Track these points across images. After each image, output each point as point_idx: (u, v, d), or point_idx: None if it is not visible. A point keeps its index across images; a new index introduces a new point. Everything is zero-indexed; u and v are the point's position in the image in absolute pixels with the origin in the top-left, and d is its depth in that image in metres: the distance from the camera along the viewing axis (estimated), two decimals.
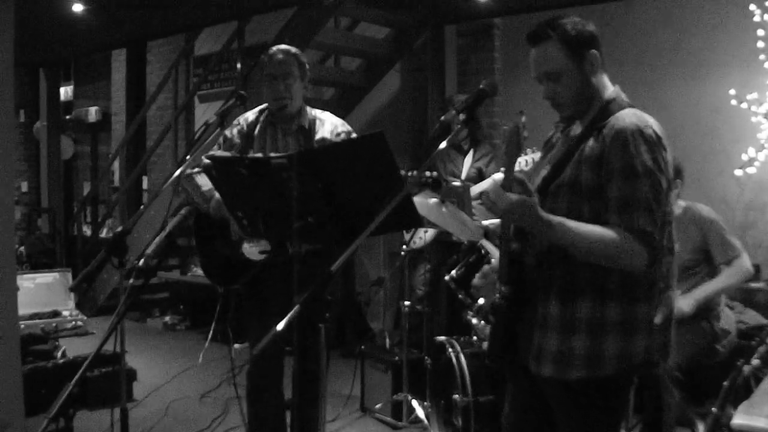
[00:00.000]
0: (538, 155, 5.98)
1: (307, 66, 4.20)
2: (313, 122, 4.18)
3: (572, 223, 2.63)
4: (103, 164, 13.74)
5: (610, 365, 2.68)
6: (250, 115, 4.26)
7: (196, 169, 4.20)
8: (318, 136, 4.14)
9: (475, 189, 6.04)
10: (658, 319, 2.73)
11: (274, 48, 4.18)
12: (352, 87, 9.23)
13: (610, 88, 2.85)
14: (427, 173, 4.89)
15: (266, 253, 3.86)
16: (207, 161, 3.49)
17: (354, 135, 4.21)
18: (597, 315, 2.68)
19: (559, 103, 2.84)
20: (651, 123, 2.68)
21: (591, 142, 2.71)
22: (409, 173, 4.78)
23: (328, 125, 4.19)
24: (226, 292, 4.30)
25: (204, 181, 4.01)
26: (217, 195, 3.88)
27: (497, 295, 2.86)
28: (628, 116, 2.69)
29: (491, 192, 2.69)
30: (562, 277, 2.72)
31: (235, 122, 4.28)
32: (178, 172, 3.61)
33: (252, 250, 3.94)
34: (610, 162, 2.63)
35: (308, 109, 4.25)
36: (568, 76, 2.77)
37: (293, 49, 4.15)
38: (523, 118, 2.86)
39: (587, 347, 2.68)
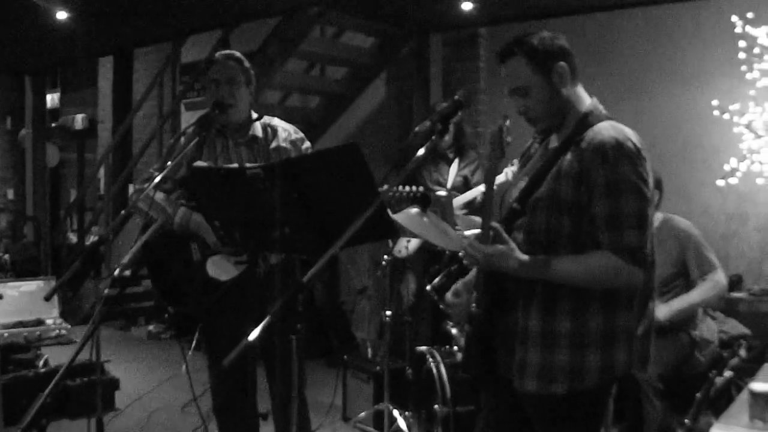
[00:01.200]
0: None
1: (252, 72, 4.11)
2: (265, 131, 4.10)
3: (557, 260, 2.65)
4: (89, 171, 13.71)
5: (592, 378, 2.69)
6: (194, 125, 4.10)
7: (147, 185, 4.13)
8: (272, 145, 4.05)
9: (460, 199, 6.05)
10: (639, 330, 2.74)
11: (218, 53, 4.13)
12: (337, 95, 9.24)
13: (586, 101, 2.85)
14: (414, 188, 4.88)
15: (241, 266, 3.83)
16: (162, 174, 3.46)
17: (307, 142, 4.14)
18: (578, 328, 2.68)
19: (532, 118, 2.85)
20: (630, 135, 2.68)
21: (569, 156, 2.70)
22: (398, 189, 4.78)
23: (282, 132, 4.10)
24: (182, 311, 4.24)
25: (162, 197, 3.95)
26: (181, 211, 3.84)
27: (473, 305, 2.86)
28: (606, 129, 2.68)
29: (468, 247, 2.72)
30: (542, 290, 2.71)
31: (181, 132, 4.22)
32: (157, 179, 3.59)
33: (217, 270, 3.90)
34: (592, 178, 2.62)
35: (256, 116, 4.15)
36: (537, 90, 2.78)
37: (237, 54, 4.09)
38: (507, 122, 2.87)
39: (570, 361, 2.68)
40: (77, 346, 2.96)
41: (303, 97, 9.96)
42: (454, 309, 3.22)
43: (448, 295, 3.25)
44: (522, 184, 2.85)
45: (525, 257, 2.65)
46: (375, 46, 8.96)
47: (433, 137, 2.90)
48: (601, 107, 2.84)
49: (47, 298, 3.36)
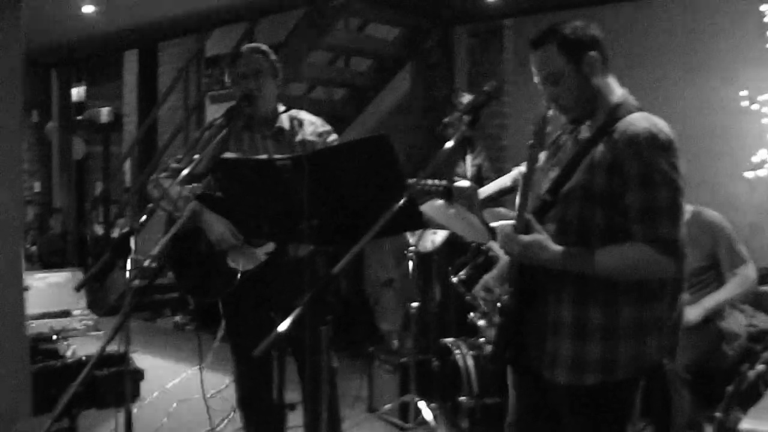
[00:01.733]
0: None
1: (278, 64, 4.12)
2: (291, 123, 4.11)
3: (591, 253, 2.64)
4: (114, 164, 13.77)
5: (624, 369, 2.69)
6: (222, 118, 4.13)
7: (164, 174, 4.15)
8: (298, 138, 4.07)
9: (486, 190, 6.04)
10: (669, 321, 2.74)
11: (244, 46, 4.15)
12: (362, 88, 9.23)
13: (617, 92, 2.84)
14: (437, 181, 4.87)
15: (262, 256, 3.84)
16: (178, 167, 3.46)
17: (334, 134, 4.15)
18: (610, 319, 2.68)
19: (562, 106, 2.84)
20: (662, 126, 2.67)
21: (601, 147, 2.69)
22: (419, 182, 4.77)
23: (308, 125, 4.11)
24: (204, 304, 4.25)
25: (175, 189, 3.95)
26: (192, 204, 3.84)
27: (505, 296, 2.86)
28: (639, 120, 2.67)
29: (503, 237, 2.71)
30: (574, 281, 2.71)
31: (207, 125, 4.24)
32: (186, 172, 3.61)
33: (238, 261, 3.91)
34: (626, 169, 2.62)
35: (283, 108, 4.17)
36: (567, 79, 2.78)
37: (263, 47, 4.10)
38: (550, 112, 2.86)
39: (602, 352, 2.68)
40: (107, 337, 2.97)
41: (328, 90, 9.95)
42: (487, 304, 3.22)
43: (479, 290, 3.26)
44: (552, 174, 2.84)
45: (559, 248, 2.64)
46: (400, 38, 8.94)
47: (463, 128, 2.89)
48: (631, 98, 2.83)
49: (77, 289, 3.38)
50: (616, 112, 2.76)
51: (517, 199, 2.82)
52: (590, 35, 2.81)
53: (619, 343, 2.68)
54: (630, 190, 2.61)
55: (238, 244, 3.85)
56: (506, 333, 2.86)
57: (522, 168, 5.72)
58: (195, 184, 3.92)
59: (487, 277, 3.31)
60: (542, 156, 5.65)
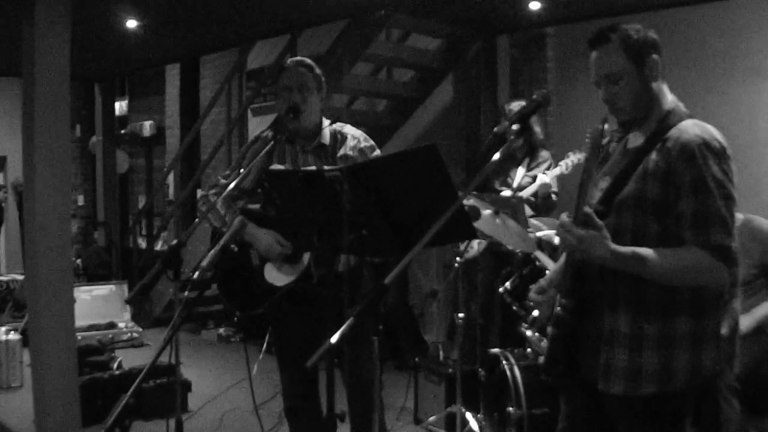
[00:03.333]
0: (578, 157, 5.98)
1: (323, 78, 4.11)
2: (334, 138, 4.10)
3: (646, 252, 2.60)
4: (157, 177, 13.88)
5: (680, 379, 2.66)
6: (268, 131, 4.19)
7: (213, 191, 4.18)
8: (340, 153, 4.05)
9: (523, 194, 6.04)
10: (725, 330, 2.70)
11: (289, 60, 4.15)
12: (404, 99, 9.23)
13: (669, 98, 2.82)
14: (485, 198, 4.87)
15: (298, 271, 3.86)
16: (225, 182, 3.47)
17: (377, 150, 4.13)
18: (667, 329, 2.65)
19: (618, 107, 2.81)
20: (715, 134, 2.66)
21: (654, 155, 2.68)
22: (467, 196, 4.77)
23: (350, 140, 4.09)
24: (249, 316, 4.27)
25: (223, 204, 3.99)
26: (237, 220, 3.86)
27: (558, 308, 2.83)
28: (692, 128, 2.66)
29: (561, 230, 2.68)
30: (629, 292, 2.69)
31: (253, 138, 4.25)
32: (231, 186, 3.63)
33: (274, 276, 3.93)
34: (679, 177, 2.60)
35: (326, 122, 4.15)
36: (628, 79, 2.75)
37: (308, 60, 4.10)
38: (606, 125, 2.83)
39: (658, 362, 2.65)
40: (159, 348, 2.99)
41: (370, 101, 9.97)
42: (540, 306, 3.19)
43: (532, 294, 3.22)
44: (604, 184, 2.82)
45: (614, 246, 2.60)
46: (442, 48, 8.94)
47: (512, 137, 2.87)
48: (681, 105, 2.81)
49: (128, 302, 3.40)
50: (668, 119, 2.74)
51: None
52: (652, 38, 2.79)
53: (676, 354, 2.65)
54: (683, 197, 2.59)
55: (288, 252, 3.86)
56: (560, 345, 2.84)
57: (544, 178, 5.72)
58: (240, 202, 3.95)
59: (541, 281, 3.29)
60: (566, 162, 5.65)
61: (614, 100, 2.81)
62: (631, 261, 2.61)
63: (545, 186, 6.03)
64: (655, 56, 2.77)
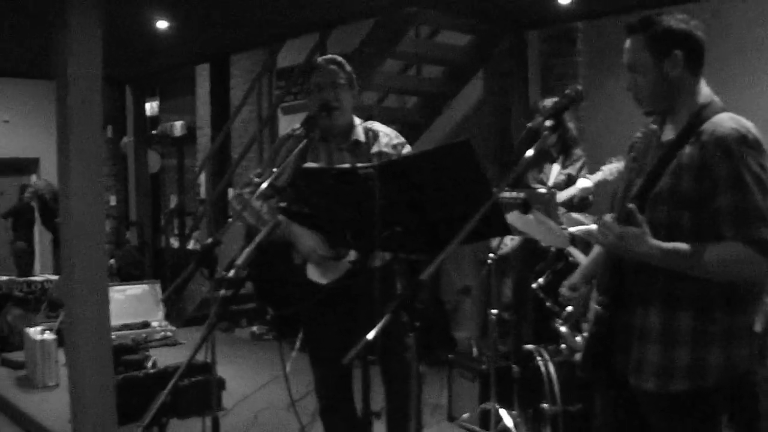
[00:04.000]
0: (623, 164, 5.94)
1: (354, 75, 4.11)
2: (366, 135, 4.10)
3: (687, 248, 2.59)
4: (189, 177, 13.95)
5: (713, 376, 2.64)
6: (300, 128, 4.11)
7: (247, 189, 4.18)
8: (374, 150, 4.05)
9: (563, 195, 5.99)
10: (758, 327, 2.69)
11: (320, 58, 4.15)
12: (434, 95, 9.22)
13: (704, 92, 2.79)
14: (515, 194, 4.85)
15: (343, 268, 3.85)
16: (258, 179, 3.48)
17: (408, 146, 4.13)
18: (700, 325, 2.64)
19: (637, 98, 2.82)
20: (750, 127, 2.64)
21: (688, 149, 2.66)
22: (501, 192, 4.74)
23: (383, 137, 4.09)
24: (283, 315, 4.28)
25: (259, 203, 3.98)
26: (279, 217, 3.86)
27: (597, 306, 2.82)
28: (727, 121, 2.64)
29: (601, 226, 2.68)
30: (664, 288, 2.67)
31: (285, 135, 4.23)
32: (265, 185, 3.63)
33: (318, 273, 3.93)
34: (715, 171, 2.58)
35: (358, 120, 4.15)
36: (645, 72, 2.75)
37: (339, 58, 4.09)
38: (654, 126, 2.82)
39: (691, 358, 2.64)
40: (195, 347, 3.00)
41: (400, 98, 9.98)
42: (572, 302, 3.18)
43: (563, 290, 3.22)
44: (638, 179, 2.80)
45: (655, 242, 2.60)
46: (471, 45, 8.92)
47: (545, 134, 2.87)
48: (717, 99, 2.78)
49: (165, 300, 3.42)
50: (702, 113, 2.71)
51: (620, 191, 2.79)
52: (684, 32, 2.75)
53: (709, 349, 2.63)
54: (720, 192, 2.57)
55: (328, 256, 3.86)
56: (597, 342, 2.83)
57: (586, 182, 5.68)
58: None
59: (572, 277, 3.28)
60: (610, 168, 5.60)
61: (635, 89, 2.82)
62: (673, 257, 2.59)
63: (587, 190, 5.98)
64: (678, 52, 2.73)
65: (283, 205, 3.81)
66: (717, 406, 2.75)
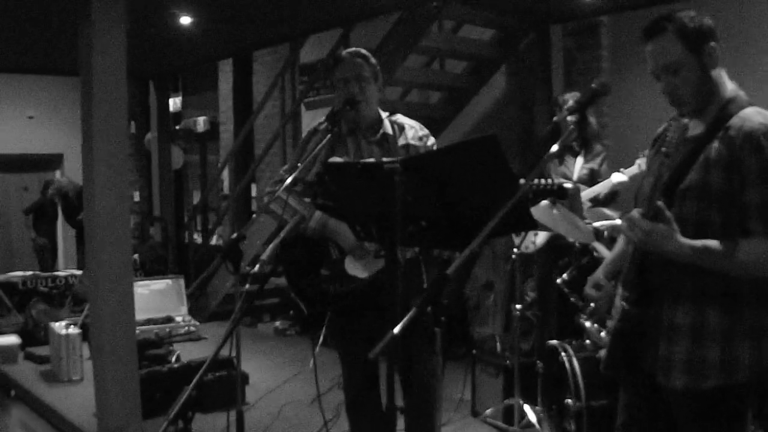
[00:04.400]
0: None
1: (378, 68, 4.10)
2: (393, 128, 4.09)
3: (716, 245, 2.58)
4: (212, 173, 13.99)
5: (743, 372, 2.62)
6: (325, 123, 4.10)
7: (279, 187, 4.15)
8: (401, 142, 4.04)
9: (588, 193, 5.97)
10: None
11: (345, 51, 4.14)
12: (458, 90, 9.20)
13: (729, 86, 2.77)
14: (550, 181, 4.81)
15: (380, 262, 3.84)
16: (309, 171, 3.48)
17: (432, 138, 4.11)
18: (730, 322, 2.61)
19: (679, 98, 2.75)
20: None
21: (716, 143, 2.63)
22: (531, 183, 4.72)
23: (409, 130, 4.08)
24: (317, 309, 4.26)
25: (295, 200, 3.96)
26: (317, 215, 3.86)
27: (622, 302, 2.80)
28: (755, 116, 2.62)
29: (628, 223, 2.66)
30: (692, 284, 2.65)
31: (311, 130, 4.22)
32: (290, 179, 3.62)
33: (356, 267, 3.92)
34: (744, 166, 2.56)
35: (384, 113, 4.14)
36: (687, 69, 2.70)
37: (363, 51, 4.08)
38: (685, 120, 2.79)
39: (720, 355, 2.62)
40: (220, 342, 3.01)
41: (423, 93, 9.96)
42: (597, 302, 3.16)
43: (588, 288, 3.20)
44: (665, 174, 2.78)
45: (683, 239, 2.58)
46: (494, 39, 8.90)
47: (571, 128, 2.85)
48: (742, 93, 2.76)
49: (190, 295, 3.42)
50: (729, 107, 2.69)
51: (645, 187, 2.77)
52: (708, 25, 2.73)
53: (739, 345, 2.61)
54: (749, 187, 2.55)
55: (370, 249, 3.85)
56: (622, 339, 2.81)
57: (623, 175, 5.65)
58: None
59: (596, 275, 3.25)
60: (639, 162, 5.57)
61: (674, 91, 2.75)
62: (702, 254, 2.58)
63: (622, 184, 5.94)
64: (713, 44, 2.71)
65: (319, 201, 3.81)
66: (746, 402, 2.73)
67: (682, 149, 2.74)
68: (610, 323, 2.94)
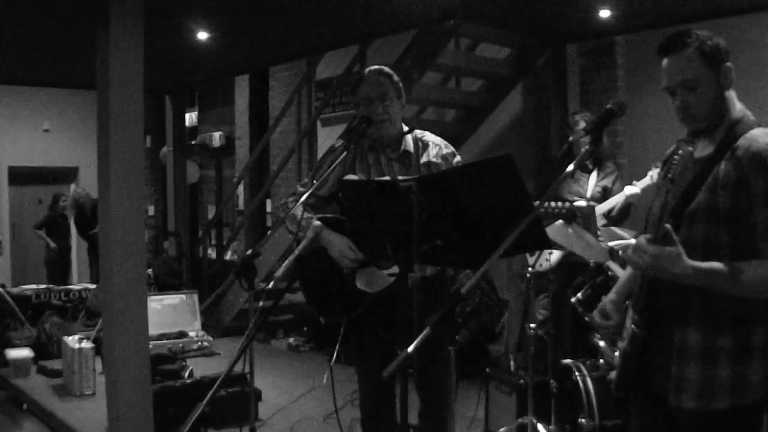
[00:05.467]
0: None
1: (401, 85, 4.11)
2: (416, 145, 4.09)
3: (723, 267, 2.56)
4: (227, 188, 14.03)
5: (756, 392, 2.60)
6: (342, 140, 4.14)
7: (291, 198, 4.18)
8: (423, 160, 4.04)
9: (602, 207, 5.98)
10: None
11: (368, 69, 4.13)
12: (473, 108, 9.20)
13: (738, 107, 2.76)
14: (560, 204, 4.81)
15: (391, 278, 3.84)
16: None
17: (458, 156, 4.12)
18: (741, 342, 2.60)
19: (693, 115, 2.73)
20: None
21: (724, 164, 2.62)
22: (543, 205, 4.72)
23: (432, 147, 4.08)
24: (333, 322, 4.26)
25: (300, 212, 3.95)
26: (312, 226, 3.86)
27: (632, 325, 2.79)
28: (762, 137, 2.61)
29: (635, 248, 2.64)
30: (702, 306, 2.64)
31: (330, 148, 4.23)
32: (304, 197, 3.63)
33: (366, 282, 3.92)
34: (751, 187, 2.55)
35: (406, 129, 4.14)
36: (705, 87, 2.69)
37: (387, 69, 4.08)
38: (690, 147, 2.78)
39: (732, 376, 2.59)
40: (233, 358, 3.01)
41: (439, 111, 9.97)
42: (602, 332, 3.14)
43: (596, 316, 3.18)
44: (674, 195, 2.77)
45: (690, 262, 2.56)
46: (511, 58, 8.92)
47: (586, 148, 2.85)
48: (750, 113, 2.75)
49: (204, 311, 3.42)
50: (737, 128, 2.68)
51: (654, 210, 2.76)
52: (724, 46, 2.73)
53: (750, 365, 2.59)
54: (756, 207, 2.54)
55: (360, 258, 3.84)
56: (632, 361, 2.80)
57: (636, 188, 5.66)
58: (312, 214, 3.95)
59: (605, 302, 3.23)
60: (651, 174, 5.56)
61: (688, 108, 2.74)
62: (710, 277, 2.56)
63: (635, 196, 5.95)
64: (729, 64, 2.72)
65: (321, 215, 3.81)
66: (757, 422, 2.71)
67: (689, 172, 2.73)
68: (620, 344, 2.93)
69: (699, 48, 2.68)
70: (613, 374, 2.96)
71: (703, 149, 2.76)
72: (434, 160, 4.02)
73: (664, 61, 2.76)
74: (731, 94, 2.76)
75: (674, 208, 2.69)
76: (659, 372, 2.76)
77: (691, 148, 2.67)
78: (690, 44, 2.69)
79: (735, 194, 2.58)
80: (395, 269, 3.82)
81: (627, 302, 3.03)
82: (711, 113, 2.72)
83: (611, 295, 3.19)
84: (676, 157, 2.66)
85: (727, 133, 2.69)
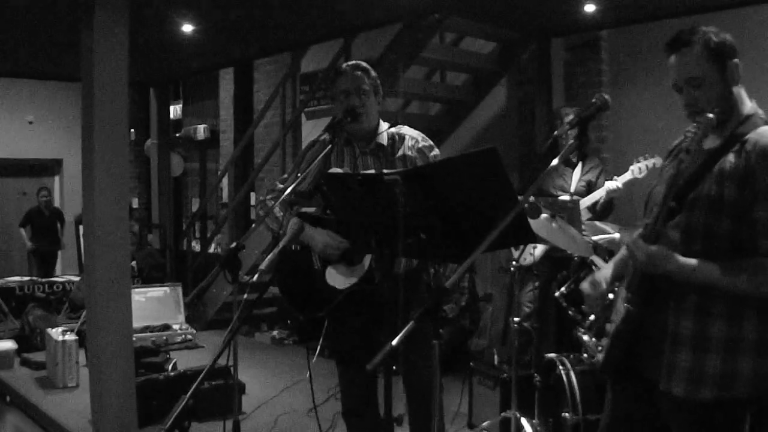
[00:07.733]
0: (651, 162, 5.93)
1: (378, 81, 4.13)
2: (392, 139, 4.11)
3: (716, 267, 2.59)
4: (211, 181, 14.00)
5: (743, 386, 2.61)
6: (325, 134, 4.14)
7: (270, 196, 4.19)
8: (398, 154, 4.06)
9: (586, 201, 6.00)
10: None
11: (346, 64, 4.16)
12: (458, 102, 9.22)
13: (747, 103, 2.78)
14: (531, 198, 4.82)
15: (359, 275, 3.86)
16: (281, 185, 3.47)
17: (436, 150, 4.13)
18: (733, 333, 2.61)
19: (699, 112, 2.76)
20: None
21: (732, 157, 2.65)
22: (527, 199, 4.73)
23: (408, 141, 4.10)
24: (310, 319, 4.28)
25: (279, 208, 4.00)
26: (292, 222, 3.86)
27: (626, 305, 2.80)
28: None
29: (630, 245, 2.67)
30: (697, 292, 2.66)
31: (311, 142, 4.24)
32: (288, 190, 3.64)
33: (336, 278, 3.94)
34: (758, 181, 2.57)
35: (385, 125, 4.16)
36: (710, 83, 2.72)
37: (364, 64, 4.12)
38: (711, 115, 2.79)
39: (721, 366, 2.61)
40: (217, 351, 3.00)
41: (423, 105, 9.97)
42: (588, 299, 3.14)
43: (584, 284, 3.18)
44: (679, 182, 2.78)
45: (684, 260, 2.59)
46: (495, 52, 8.93)
47: (571, 142, 2.86)
48: (761, 111, 2.77)
49: (188, 303, 3.42)
50: (747, 123, 2.71)
51: (655, 196, 2.77)
52: (731, 42, 2.75)
53: (740, 358, 2.61)
54: (759, 203, 2.57)
55: (344, 247, 3.86)
56: (623, 341, 2.81)
57: (616, 182, 5.70)
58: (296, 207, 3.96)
59: (597, 273, 3.23)
60: (638, 166, 5.57)
61: (696, 104, 2.75)
62: (701, 275, 2.59)
63: (615, 191, 5.98)
64: (736, 60, 2.74)
65: (297, 209, 3.82)
66: (742, 417, 2.72)
67: (696, 159, 2.74)
68: (609, 326, 2.93)
69: (705, 45, 2.71)
70: (599, 356, 2.97)
71: (711, 141, 2.78)
72: (409, 153, 4.05)
73: (671, 59, 2.79)
74: (740, 90, 2.78)
75: (678, 193, 2.70)
76: (650, 357, 2.77)
77: (711, 115, 2.68)
78: (696, 41, 2.72)
79: (740, 186, 2.60)
80: (359, 274, 3.86)
81: (617, 284, 3.04)
82: (717, 109, 2.74)
83: (604, 269, 3.20)
84: (690, 128, 2.68)
85: (736, 127, 2.72)
